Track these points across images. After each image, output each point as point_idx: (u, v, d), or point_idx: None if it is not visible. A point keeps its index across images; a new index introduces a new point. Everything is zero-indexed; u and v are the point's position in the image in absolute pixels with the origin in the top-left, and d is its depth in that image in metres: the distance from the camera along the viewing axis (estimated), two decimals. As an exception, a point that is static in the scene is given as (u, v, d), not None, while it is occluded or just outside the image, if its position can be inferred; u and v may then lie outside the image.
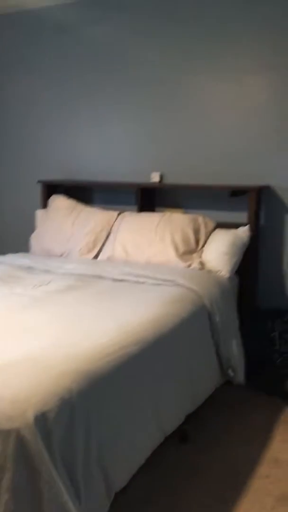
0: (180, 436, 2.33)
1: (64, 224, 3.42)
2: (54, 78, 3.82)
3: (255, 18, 3.09)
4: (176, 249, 2.95)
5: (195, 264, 2.89)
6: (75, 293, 2.48)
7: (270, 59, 3.10)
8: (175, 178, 3.48)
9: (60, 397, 1.47)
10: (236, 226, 3.10)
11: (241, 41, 3.16)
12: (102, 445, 1.60)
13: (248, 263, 3.09)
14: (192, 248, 2.98)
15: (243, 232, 3.02)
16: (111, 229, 3.27)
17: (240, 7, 3.12)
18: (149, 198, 3.54)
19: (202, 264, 2.90)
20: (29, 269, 2.98)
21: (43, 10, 3.72)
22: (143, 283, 2.66)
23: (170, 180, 3.51)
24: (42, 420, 1.39)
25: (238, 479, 2.10)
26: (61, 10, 3.66)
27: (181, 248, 2.96)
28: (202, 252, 2.99)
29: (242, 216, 3.19)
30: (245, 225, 3.09)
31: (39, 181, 3.76)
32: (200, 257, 2.96)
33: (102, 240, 3.24)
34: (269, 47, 3.08)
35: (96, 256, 3.20)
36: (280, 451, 2.31)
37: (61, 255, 3.34)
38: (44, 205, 3.69)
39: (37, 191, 3.78)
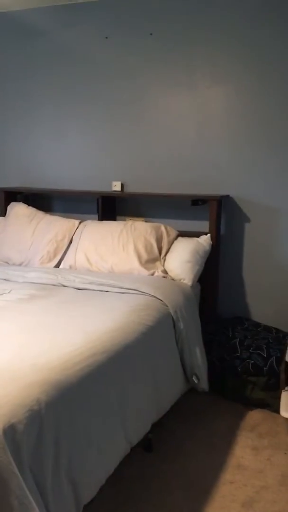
0: (145, 445, 2.31)
1: (24, 232, 3.35)
2: (18, 85, 3.76)
3: (209, 33, 3.16)
4: (139, 257, 2.96)
5: (159, 272, 2.90)
6: (38, 302, 2.43)
7: (224, 72, 3.18)
8: (136, 187, 3.50)
9: (29, 408, 1.44)
10: (197, 234, 3.15)
11: (195, 54, 3.23)
12: (71, 457, 1.56)
13: (209, 271, 3.14)
14: (155, 256, 3.00)
15: (205, 240, 3.07)
16: (72, 237, 3.24)
17: (195, 22, 3.19)
18: (110, 207, 3.54)
19: (165, 272, 2.92)
20: (-12, 278, 2.90)
21: (9, 14, 3.66)
22: (107, 291, 2.64)
23: (131, 189, 3.52)
24: (10, 432, 1.35)
25: (203, 486, 2.11)
26: (28, 15, 3.61)
27: (144, 257, 2.97)
28: (165, 260, 3.01)
29: (203, 225, 3.24)
30: (206, 233, 3.14)
31: (-3, 188, 3.69)
32: (163, 265, 2.98)
33: (64, 249, 3.20)
34: (223, 60, 3.16)
35: (57, 265, 3.15)
36: (243, 457, 2.33)
37: (20, 264, 3.27)
38: (3, 212, 3.62)
39: (-4, 198, 3.70)
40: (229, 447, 2.41)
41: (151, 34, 3.31)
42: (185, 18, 3.21)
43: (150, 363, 2.21)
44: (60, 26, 3.55)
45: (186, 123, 3.33)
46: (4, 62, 3.77)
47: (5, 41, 3.74)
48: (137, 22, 3.34)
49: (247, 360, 2.78)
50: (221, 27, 3.14)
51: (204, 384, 2.67)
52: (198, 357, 2.63)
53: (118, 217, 3.58)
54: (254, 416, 2.71)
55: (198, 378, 2.62)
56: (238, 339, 2.91)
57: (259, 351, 2.80)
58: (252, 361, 2.76)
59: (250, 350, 2.82)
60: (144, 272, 2.91)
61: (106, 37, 3.43)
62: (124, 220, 3.48)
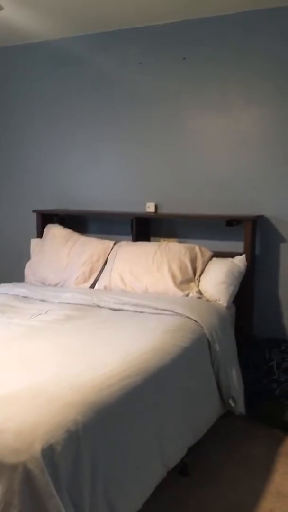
0: (181, 469, 2.28)
1: (60, 253, 3.41)
2: (53, 110, 3.87)
3: (241, 55, 3.19)
4: (174, 278, 2.96)
5: (193, 293, 2.89)
6: (73, 322, 2.45)
7: (257, 94, 3.19)
8: (170, 208, 3.52)
9: (66, 429, 1.44)
10: (231, 255, 3.12)
11: (228, 77, 3.25)
12: (108, 479, 1.56)
13: (244, 292, 3.10)
14: (190, 277, 2.99)
15: (240, 261, 3.04)
16: (107, 258, 3.27)
17: (228, 45, 3.22)
18: (144, 228, 3.57)
19: (200, 293, 2.91)
20: (25, 298, 2.96)
21: (43, 44, 3.80)
22: (141, 312, 2.64)
23: (165, 210, 3.54)
24: (49, 453, 1.35)
25: (242, 514, 2.05)
26: (60, 44, 3.74)
27: (179, 277, 2.96)
28: (199, 281, 3.00)
29: (237, 246, 3.22)
30: (240, 254, 3.12)
31: (34, 211, 3.77)
32: (198, 286, 2.97)
33: (99, 270, 3.23)
34: (256, 82, 3.18)
35: (92, 286, 3.19)
36: (282, 484, 2.26)
37: (56, 285, 3.32)
38: (40, 234, 3.69)
39: (33, 220, 3.78)
40: (267, 473, 2.34)
41: (184, 58, 3.36)
42: (218, 42, 3.26)
43: (185, 385, 2.19)
44: (94, 53, 3.65)
45: (220, 144, 3.34)
46: (40, 89, 3.89)
47: (42, 69, 3.87)
48: (170, 47, 3.40)
49: (285, 384, 2.72)
50: (254, 49, 3.16)
51: (241, 408, 2.62)
52: (234, 379, 2.59)
53: (152, 238, 3.60)
54: (293, 441, 2.64)
55: (234, 401, 2.57)
56: (275, 361, 2.85)
57: (297, 374, 2.74)
58: (290, 385, 2.70)
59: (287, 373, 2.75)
60: (179, 293, 2.90)
61: (140, 63, 3.50)
62: (158, 241, 3.49)
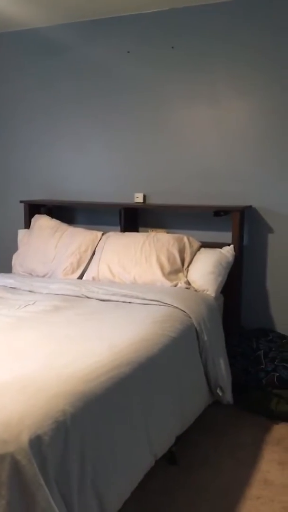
0: (168, 458, 2.29)
1: (48, 244, 3.39)
2: (40, 99, 3.83)
3: (230, 45, 3.18)
4: (162, 268, 2.96)
5: (182, 284, 2.90)
6: (61, 313, 2.45)
7: (246, 84, 3.19)
8: (158, 198, 3.51)
9: (54, 420, 1.44)
10: (220, 246, 3.13)
11: (217, 67, 3.24)
12: (96, 469, 1.56)
13: (233, 282, 3.11)
14: (178, 267, 2.99)
15: (228, 251, 3.05)
16: (95, 249, 3.26)
17: (216, 34, 3.20)
18: (132, 218, 3.56)
19: (188, 284, 2.91)
20: (13, 289, 2.94)
21: (30, 31, 3.75)
22: (130, 303, 2.64)
23: (153, 200, 3.54)
24: (37, 443, 1.35)
25: (230, 501, 2.07)
26: (48, 32, 3.69)
27: (167, 268, 2.97)
28: (187, 271, 3.00)
29: (226, 236, 3.23)
30: (229, 244, 3.12)
31: (21, 201, 3.74)
32: (186, 276, 2.97)
33: (87, 260, 3.22)
34: (245, 72, 3.17)
35: (80, 276, 3.17)
36: (269, 471, 2.29)
37: (44, 276, 3.30)
38: (27, 225, 3.67)
39: (20, 211, 3.75)
40: (254, 461, 2.37)
41: (172, 47, 3.34)
42: (206, 31, 3.24)
43: (174, 375, 2.20)
44: (82, 41, 3.61)
45: (208, 134, 3.33)
46: (27, 78, 3.84)
47: (29, 57, 3.81)
48: (159, 36, 3.37)
49: (272, 373, 2.74)
50: (243, 39, 3.15)
51: (228, 397, 2.64)
52: (222, 369, 2.61)
53: (140, 229, 3.59)
54: (280, 429, 2.66)
55: (222, 391, 2.59)
56: (262, 351, 2.88)
57: (284, 364, 2.76)
58: (277, 374, 2.72)
59: (275, 363, 2.78)
60: (167, 284, 2.91)
61: (128, 52, 3.47)
62: (147, 231, 3.49)
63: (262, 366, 2.79)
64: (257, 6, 3.08)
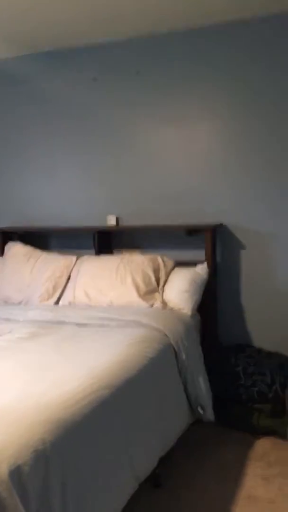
0: (152, 481, 2.27)
1: (22, 271, 3.37)
2: (6, 126, 3.85)
3: (196, 71, 3.28)
4: (138, 289, 2.98)
5: (158, 304, 2.92)
6: (39, 340, 2.43)
7: (212, 106, 3.28)
8: (131, 220, 3.55)
9: (34, 449, 1.42)
10: (194, 264, 3.17)
11: (183, 91, 3.33)
12: (79, 497, 1.54)
13: (208, 300, 3.15)
14: (154, 287, 3.01)
15: (202, 269, 3.09)
16: (70, 273, 3.26)
17: (181, 59, 3.30)
18: (106, 241, 3.58)
19: (164, 303, 2.93)
20: (-12, 318, 2.91)
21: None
22: (107, 325, 2.64)
23: (126, 222, 3.57)
24: (17, 474, 1.33)
25: (215, 520, 2.07)
26: (15, 62, 3.74)
27: (143, 289, 2.98)
28: (163, 291, 3.02)
29: (199, 254, 3.27)
30: (202, 262, 3.17)
31: (-7, 229, 3.73)
32: (162, 296, 2.99)
33: (62, 286, 3.22)
34: (210, 94, 3.27)
35: (57, 302, 3.16)
36: (254, 487, 2.29)
37: (20, 303, 3.28)
38: (1, 253, 3.64)
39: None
40: (239, 477, 2.37)
41: (138, 72, 3.42)
42: (171, 56, 3.33)
43: (154, 396, 2.20)
44: (46, 70, 3.68)
45: (177, 155, 3.40)
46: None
47: (-3, 87, 3.85)
48: (124, 62, 3.45)
49: (252, 388, 2.77)
50: (208, 63, 3.25)
51: (209, 415, 2.64)
52: (202, 387, 2.62)
53: (114, 251, 3.61)
54: (262, 444, 2.68)
55: (203, 409, 2.60)
56: (241, 366, 2.90)
57: (263, 378, 2.79)
58: (257, 388, 2.75)
59: (254, 378, 2.80)
60: (143, 304, 2.92)
61: (94, 79, 3.54)
62: (121, 253, 3.51)
63: (241, 382, 2.81)
64: (221, 31, 3.19)
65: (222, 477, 2.38)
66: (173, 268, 3.15)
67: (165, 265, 3.13)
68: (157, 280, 3.06)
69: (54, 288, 3.20)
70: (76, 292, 3.12)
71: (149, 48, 3.38)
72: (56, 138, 3.71)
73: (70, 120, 3.65)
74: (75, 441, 1.59)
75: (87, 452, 1.64)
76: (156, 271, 3.09)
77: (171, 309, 2.91)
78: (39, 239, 3.80)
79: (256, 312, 3.31)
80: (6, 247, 3.60)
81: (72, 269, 3.28)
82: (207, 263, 3.15)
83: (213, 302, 3.27)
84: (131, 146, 3.52)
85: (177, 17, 3.09)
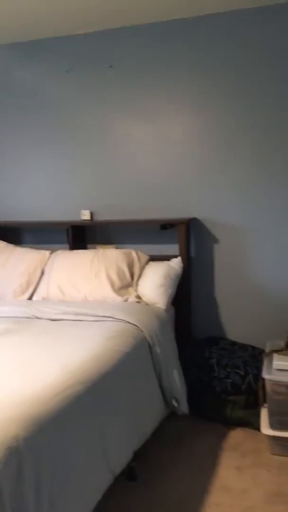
0: (128, 474, 2.29)
1: (-5, 266, 3.33)
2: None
3: (168, 65, 3.28)
4: (112, 284, 2.98)
5: (132, 298, 2.92)
6: (12, 336, 2.40)
7: (184, 100, 3.28)
8: (105, 214, 3.54)
9: (7, 446, 1.41)
10: (168, 258, 3.19)
11: (155, 85, 3.33)
12: (53, 493, 1.54)
13: (182, 294, 3.17)
14: (128, 282, 3.02)
15: (176, 263, 3.11)
16: (44, 268, 3.23)
17: (155, 54, 3.30)
18: (80, 236, 3.56)
19: (138, 298, 2.94)
20: None
21: None
22: (81, 321, 2.64)
23: (100, 217, 3.56)
24: (-11, 472, 1.32)
25: (189, 511, 2.09)
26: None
27: (117, 283, 2.98)
28: (137, 285, 3.03)
29: (173, 248, 3.29)
30: (176, 257, 3.18)
31: None
32: (136, 290, 3.00)
33: (36, 280, 3.19)
34: (182, 89, 3.27)
35: (30, 297, 3.14)
36: (228, 477, 2.33)
37: (-7, 298, 3.24)
38: (-27, 248, 3.58)
39: None
40: (213, 468, 2.41)
41: (110, 66, 3.40)
42: (144, 50, 3.32)
43: (128, 390, 2.21)
44: (18, 62, 3.61)
45: (151, 150, 3.40)
46: None
47: None
48: (97, 55, 3.42)
49: (225, 380, 2.80)
50: (179, 57, 3.25)
51: (184, 407, 2.67)
52: (176, 380, 2.64)
53: (88, 245, 3.60)
54: (236, 435, 2.72)
55: (177, 402, 2.62)
56: (215, 359, 2.93)
57: (236, 370, 2.83)
58: (230, 380, 2.78)
59: (227, 370, 2.84)
60: (118, 299, 2.92)
61: (67, 71, 3.50)
62: (95, 248, 3.50)
63: (215, 374, 2.85)
64: (193, 25, 3.19)
65: (196, 468, 2.42)
66: (147, 263, 3.16)
67: (139, 260, 3.13)
68: (132, 275, 3.06)
69: (28, 283, 3.17)
70: (50, 287, 3.10)
71: (122, 41, 3.36)
72: (28, 131, 3.67)
73: (43, 113, 3.61)
74: (49, 437, 1.59)
75: (62, 448, 1.64)
76: (130, 266, 3.09)
77: (146, 304, 2.92)
78: (12, 234, 3.75)
79: (229, 305, 3.35)
80: (-22, 243, 3.54)
81: (46, 264, 3.25)
82: (181, 257, 3.17)
83: (187, 296, 3.30)
84: (104, 140, 3.50)
85: (149, 9, 3.08)
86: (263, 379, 2.55)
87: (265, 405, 2.61)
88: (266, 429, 2.51)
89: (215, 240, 3.33)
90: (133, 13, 3.12)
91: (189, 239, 3.28)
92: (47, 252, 3.33)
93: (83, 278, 3.04)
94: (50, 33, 3.43)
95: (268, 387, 2.51)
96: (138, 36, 3.32)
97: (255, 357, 2.96)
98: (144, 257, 3.17)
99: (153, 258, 3.20)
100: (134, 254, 3.15)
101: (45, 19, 3.18)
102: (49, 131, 3.61)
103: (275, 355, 2.62)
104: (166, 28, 3.24)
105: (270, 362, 2.60)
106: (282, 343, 2.75)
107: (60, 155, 3.61)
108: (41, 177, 3.69)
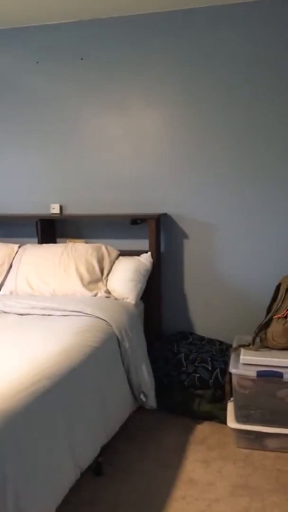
0: (95, 469, 2.29)
1: None
2: None
3: (142, 58, 3.27)
4: (81, 279, 2.96)
5: (102, 293, 2.91)
6: (-22, 330, 2.36)
7: (156, 95, 3.28)
8: (75, 208, 3.51)
9: (-28, 442, 1.39)
10: (138, 253, 3.19)
11: (126, 78, 3.31)
12: (19, 488, 1.52)
13: (152, 289, 3.18)
14: (97, 277, 3.00)
15: (146, 258, 3.11)
16: (12, 262, 3.18)
17: (126, 47, 3.28)
18: (49, 229, 3.52)
19: (108, 292, 2.93)
20: None
21: None
22: (50, 315, 2.61)
23: (70, 211, 3.53)
24: None
25: (155, 505, 2.10)
26: None
27: (86, 278, 2.97)
28: (107, 280, 3.02)
29: (144, 243, 3.29)
30: (146, 252, 3.19)
31: None
32: (106, 285, 2.99)
33: (3, 275, 3.14)
34: (154, 83, 3.27)
35: (-3, 291, 3.09)
36: (194, 471, 2.36)
37: None
38: None
39: None
40: (179, 462, 2.43)
41: (81, 59, 3.36)
42: (115, 43, 3.30)
43: (97, 384, 2.20)
44: (-10, 50, 3.54)
45: (121, 144, 3.39)
46: None
47: None
48: (68, 47, 3.38)
49: (193, 374, 2.83)
50: (152, 50, 3.24)
51: (152, 402, 2.68)
52: (144, 374, 2.65)
53: (58, 239, 3.56)
54: (203, 429, 2.75)
55: (145, 396, 2.63)
56: (183, 354, 2.96)
57: (204, 364, 2.85)
58: (198, 375, 2.81)
59: (195, 364, 2.87)
60: (87, 293, 2.91)
61: (37, 62, 3.45)
62: (65, 242, 3.47)
63: (183, 369, 2.87)
64: (165, 20, 3.19)
65: (163, 461, 2.43)
66: (117, 257, 3.15)
67: (109, 254, 3.12)
68: (101, 270, 3.05)
69: (-5, 277, 3.12)
70: (18, 281, 3.05)
71: (93, 35, 3.32)
72: (-2, 123, 3.60)
73: (11, 104, 3.54)
74: (16, 432, 1.57)
75: (28, 443, 1.62)
76: (100, 260, 3.08)
77: (115, 299, 2.92)
78: (-20, 226, 3.68)
79: (198, 300, 3.38)
80: None
81: (14, 257, 3.20)
82: (151, 252, 3.17)
83: (157, 291, 3.31)
84: (75, 133, 3.46)
85: (120, 2, 3.05)
86: (230, 374, 2.59)
87: (231, 399, 2.64)
88: (232, 423, 2.55)
89: (185, 236, 3.35)
90: (105, 5, 3.09)
91: (159, 235, 3.28)
92: (15, 246, 3.28)
93: (52, 272, 3.01)
94: (21, 22, 3.36)
95: (235, 381, 2.55)
96: (109, 29, 3.29)
97: (222, 352, 3.00)
98: (114, 252, 3.16)
99: (123, 253, 3.20)
100: (104, 248, 3.14)
101: (14, 8, 3.12)
102: (18, 124, 3.55)
103: (243, 350, 2.65)
104: (139, 21, 3.23)
105: (237, 356, 2.64)
106: (249, 338, 2.79)
107: (30, 147, 3.56)
108: (10, 170, 3.62)
